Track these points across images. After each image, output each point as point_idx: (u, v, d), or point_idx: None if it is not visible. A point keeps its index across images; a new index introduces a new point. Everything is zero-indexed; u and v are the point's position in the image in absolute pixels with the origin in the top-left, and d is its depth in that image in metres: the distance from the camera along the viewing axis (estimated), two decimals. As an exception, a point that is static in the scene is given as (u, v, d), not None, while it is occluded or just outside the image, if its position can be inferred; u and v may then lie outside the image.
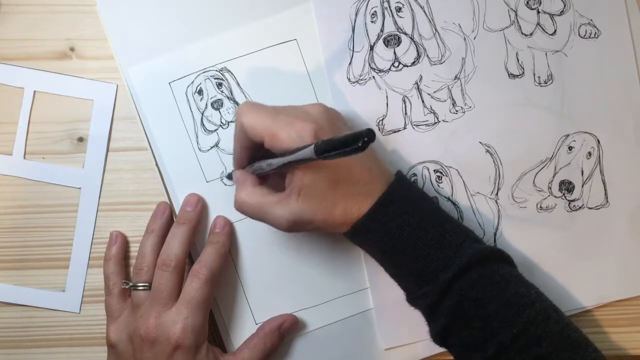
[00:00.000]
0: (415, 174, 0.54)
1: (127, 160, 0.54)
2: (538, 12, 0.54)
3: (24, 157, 0.54)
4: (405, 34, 0.53)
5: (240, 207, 0.48)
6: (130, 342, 0.49)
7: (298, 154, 0.41)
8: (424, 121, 0.54)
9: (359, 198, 0.46)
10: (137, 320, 0.49)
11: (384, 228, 0.46)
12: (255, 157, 0.48)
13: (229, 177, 0.52)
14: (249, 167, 0.49)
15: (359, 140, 0.36)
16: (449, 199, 0.54)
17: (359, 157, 0.45)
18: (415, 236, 0.45)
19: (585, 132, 0.54)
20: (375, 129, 0.53)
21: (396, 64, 0.53)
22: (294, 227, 0.46)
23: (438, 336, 0.47)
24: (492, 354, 0.44)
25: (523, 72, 0.54)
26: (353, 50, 0.53)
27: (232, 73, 0.53)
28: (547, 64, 0.54)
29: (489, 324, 0.44)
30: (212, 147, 0.53)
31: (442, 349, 0.53)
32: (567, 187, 0.55)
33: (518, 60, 0.54)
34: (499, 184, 0.54)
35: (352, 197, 0.46)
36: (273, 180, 0.49)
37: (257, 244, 0.53)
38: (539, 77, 0.54)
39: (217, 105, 0.53)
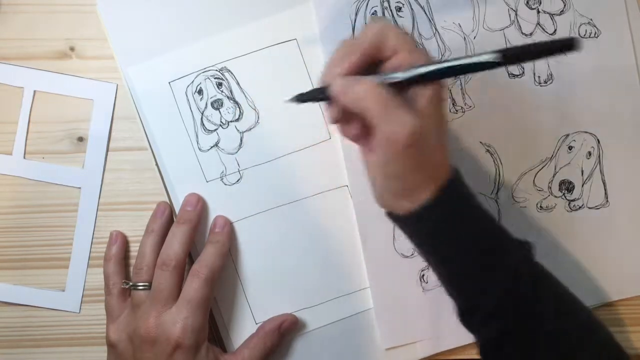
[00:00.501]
0: (415, 174, 0.54)
1: (127, 160, 0.54)
2: (538, 12, 0.54)
3: (24, 157, 0.54)
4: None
5: (363, 96, 0.41)
6: (130, 341, 0.49)
7: (482, 55, 0.39)
8: (424, 121, 0.54)
9: (446, 156, 0.43)
10: (137, 320, 0.49)
11: (468, 202, 0.44)
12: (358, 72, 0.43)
13: (301, 98, 0.45)
14: (376, 76, 0.42)
15: (569, 40, 0.36)
16: (449, 198, 0.54)
17: None
18: (486, 227, 0.45)
19: (585, 132, 0.54)
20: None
21: (396, 63, 0.53)
22: (413, 141, 0.40)
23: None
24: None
25: (523, 72, 0.54)
26: (353, 50, 0.53)
27: (232, 73, 0.53)
28: (547, 63, 0.54)
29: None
30: (212, 147, 0.53)
31: (442, 349, 0.54)
32: (567, 186, 0.55)
33: (518, 60, 0.54)
34: (499, 183, 0.54)
35: (446, 150, 0.43)
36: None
37: (257, 244, 0.53)
38: (539, 77, 0.54)
39: (217, 105, 0.53)
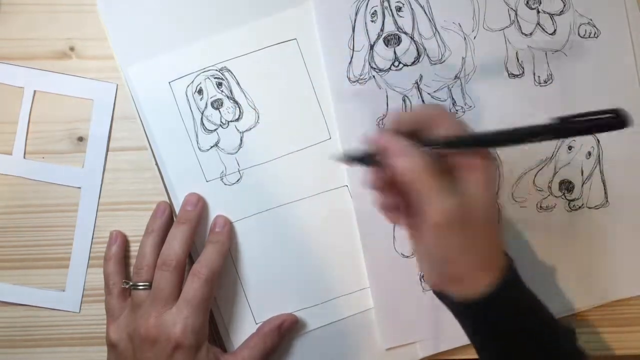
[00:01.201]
0: (415, 174, 0.54)
1: (127, 160, 0.54)
2: (538, 12, 0.54)
3: (24, 157, 0.54)
4: (406, 33, 0.53)
5: (413, 167, 0.39)
6: (130, 341, 0.49)
7: (535, 126, 0.38)
8: (424, 121, 0.54)
9: (498, 240, 0.42)
10: (137, 319, 0.49)
11: (526, 295, 0.43)
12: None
13: (348, 157, 0.44)
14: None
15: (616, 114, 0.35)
16: (449, 198, 0.54)
17: None
18: (542, 321, 0.44)
19: (585, 132, 0.54)
20: (375, 129, 0.53)
21: (396, 63, 0.53)
22: (454, 222, 0.39)
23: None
24: None
25: (523, 72, 0.54)
26: (353, 50, 0.53)
27: (232, 72, 0.53)
28: (547, 63, 0.54)
29: None
30: (212, 147, 0.53)
31: (442, 349, 0.54)
32: (567, 186, 0.55)
33: (518, 60, 0.54)
34: (498, 183, 0.54)
35: (497, 233, 0.42)
36: None
37: (257, 244, 0.53)
38: (539, 76, 0.54)
39: (217, 104, 0.53)
